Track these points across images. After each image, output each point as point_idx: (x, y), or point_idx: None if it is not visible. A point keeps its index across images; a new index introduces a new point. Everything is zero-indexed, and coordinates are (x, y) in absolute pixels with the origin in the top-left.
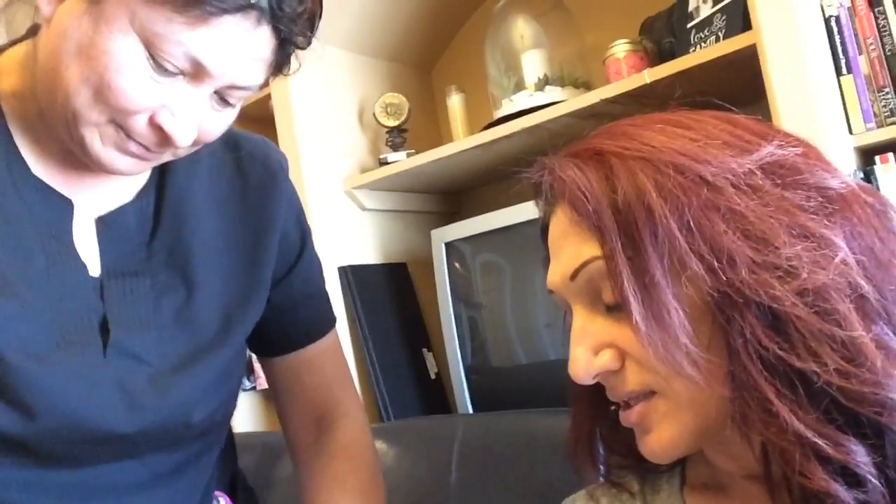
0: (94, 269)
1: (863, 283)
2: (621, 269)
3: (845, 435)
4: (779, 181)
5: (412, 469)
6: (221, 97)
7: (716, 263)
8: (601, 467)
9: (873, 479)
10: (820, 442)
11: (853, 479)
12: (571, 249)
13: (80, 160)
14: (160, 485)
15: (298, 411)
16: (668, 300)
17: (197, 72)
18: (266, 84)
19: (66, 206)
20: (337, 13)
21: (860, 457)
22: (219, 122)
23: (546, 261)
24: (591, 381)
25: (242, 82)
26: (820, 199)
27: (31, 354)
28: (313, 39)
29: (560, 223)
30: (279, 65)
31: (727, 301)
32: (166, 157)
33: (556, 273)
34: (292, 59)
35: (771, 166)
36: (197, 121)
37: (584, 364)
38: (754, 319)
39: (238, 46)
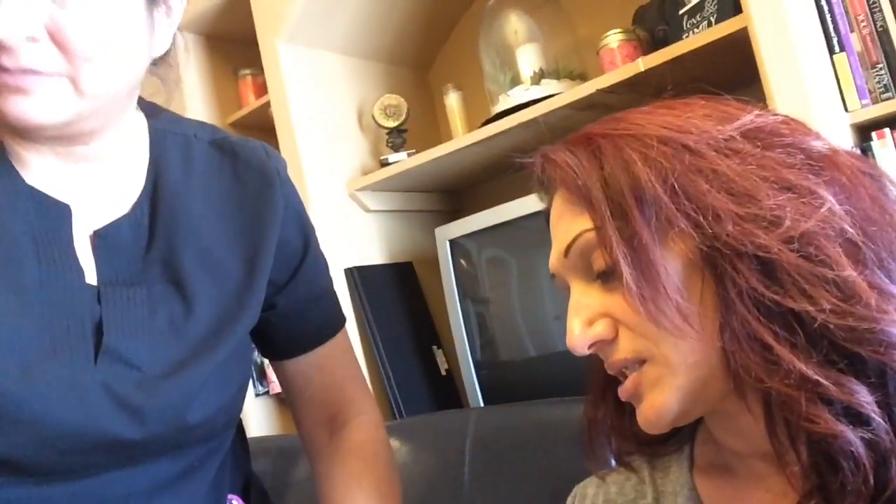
0: (91, 278)
1: (851, 230)
2: (610, 235)
3: (846, 376)
4: (759, 143)
5: (426, 464)
6: None
7: (702, 219)
8: (610, 454)
9: (877, 418)
10: (824, 382)
11: (857, 420)
12: (565, 228)
13: (74, 163)
14: (163, 492)
15: (312, 412)
16: (656, 258)
17: None
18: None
19: (63, 211)
20: (331, 17)
21: (864, 396)
22: (67, 20)
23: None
24: (586, 352)
25: None
26: (802, 157)
27: (16, 366)
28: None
29: (556, 208)
30: None
31: (717, 254)
32: (47, 81)
33: (553, 254)
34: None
35: (751, 131)
36: (25, 9)
37: (580, 334)
38: (746, 269)
39: None
